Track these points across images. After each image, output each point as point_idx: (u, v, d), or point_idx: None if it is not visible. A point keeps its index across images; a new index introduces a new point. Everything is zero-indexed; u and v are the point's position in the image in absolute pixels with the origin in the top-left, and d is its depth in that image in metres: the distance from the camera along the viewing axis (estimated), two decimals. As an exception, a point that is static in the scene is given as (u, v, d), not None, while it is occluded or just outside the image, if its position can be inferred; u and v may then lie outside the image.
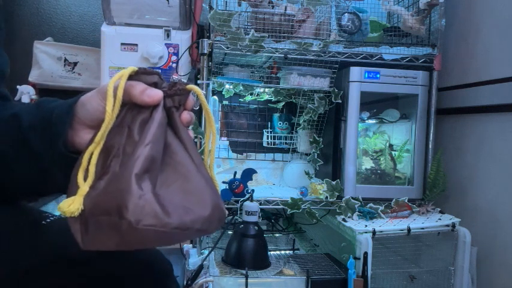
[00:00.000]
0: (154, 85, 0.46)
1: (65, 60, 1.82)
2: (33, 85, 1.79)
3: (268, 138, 1.71)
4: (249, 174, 1.38)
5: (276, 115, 1.72)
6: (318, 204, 1.37)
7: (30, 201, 0.61)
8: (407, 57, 1.41)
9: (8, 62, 0.64)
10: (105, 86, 0.44)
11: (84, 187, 0.41)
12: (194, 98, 0.50)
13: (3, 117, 0.49)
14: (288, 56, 1.36)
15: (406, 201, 1.36)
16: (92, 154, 0.43)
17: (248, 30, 1.34)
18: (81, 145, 0.46)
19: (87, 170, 0.42)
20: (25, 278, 0.57)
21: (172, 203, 0.41)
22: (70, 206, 0.40)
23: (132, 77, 0.45)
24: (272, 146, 1.71)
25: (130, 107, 0.45)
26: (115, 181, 0.40)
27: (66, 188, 0.46)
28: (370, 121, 1.51)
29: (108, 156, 0.43)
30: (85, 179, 0.42)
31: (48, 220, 0.62)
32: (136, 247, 0.42)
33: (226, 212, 0.48)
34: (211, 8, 1.32)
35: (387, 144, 1.51)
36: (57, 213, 0.55)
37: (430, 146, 1.43)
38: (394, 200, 1.36)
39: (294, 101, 1.67)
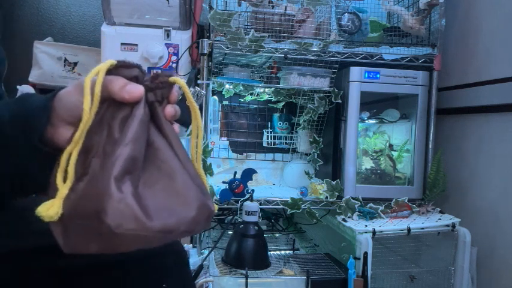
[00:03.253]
0: (135, 79, 0.43)
1: (65, 60, 1.82)
2: (33, 85, 1.79)
3: (268, 138, 1.71)
4: (249, 174, 1.38)
5: (276, 115, 1.72)
6: (318, 204, 1.37)
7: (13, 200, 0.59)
8: (407, 57, 1.41)
9: (5, 62, 0.63)
10: (83, 81, 0.41)
11: (63, 189, 0.39)
12: (179, 90, 0.47)
13: None
14: (288, 56, 1.36)
15: (406, 201, 1.36)
16: (70, 154, 0.40)
17: (248, 30, 1.34)
18: (61, 142, 0.43)
19: (66, 172, 0.40)
20: (36, 259, 0.57)
21: (155, 205, 0.39)
22: (49, 210, 0.38)
23: (111, 70, 0.42)
24: (272, 146, 1.71)
25: (110, 103, 0.42)
26: (94, 183, 0.38)
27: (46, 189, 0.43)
28: (370, 121, 1.51)
29: (87, 156, 0.41)
30: (64, 180, 0.40)
31: None
32: (119, 250, 0.40)
33: (215, 207, 0.46)
34: (211, 8, 1.32)
35: (387, 144, 1.51)
36: None
37: (430, 146, 1.43)
38: (394, 200, 1.36)
39: (294, 101, 1.67)
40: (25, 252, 0.59)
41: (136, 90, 0.42)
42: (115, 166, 0.38)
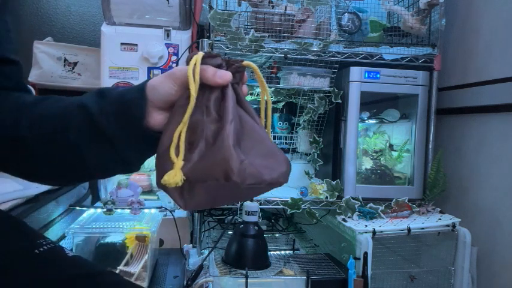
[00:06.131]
0: (219, 66, 0.52)
1: (65, 60, 1.82)
2: (33, 85, 1.79)
3: (268, 138, 1.71)
4: (249, 174, 1.38)
5: (276, 115, 1.72)
6: (318, 204, 1.37)
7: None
8: (407, 57, 1.41)
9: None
10: (177, 71, 0.50)
11: (179, 161, 0.47)
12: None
13: (68, 107, 0.52)
14: (288, 56, 1.36)
15: (406, 201, 1.36)
16: (180, 133, 0.48)
17: (248, 30, 1.34)
18: (154, 126, 0.51)
19: (177, 147, 0.48)
20: None
21: (259, 164, 0.48)
22: (174, 177, 0.46)
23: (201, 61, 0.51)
24: (272, 146, 1.70)
25: (202, 88, 0.50)
26: (212, 152, 0.47)
27: (132, 167, 0.54)
28: (370, 121, 1.51)
29: (193, 132, 0.49)
30: (176, 154, 0.48)
31: (41, 249, 0.59)
32: (233, 201, 0.54)
33: None
34: (211, 8, 1.32)
35: (387, 144, 1.51)
36: (53, 238, 0.53)
37: (430, 146, 1.43)
38: (394, 200, 1.36)
39: (294, 101, 1.67)
40: None
41: (226, 75, 0.50)
42: (230, 138, 0.47)
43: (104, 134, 0.50)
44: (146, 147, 0.53)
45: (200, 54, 0.51)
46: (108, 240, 1.28)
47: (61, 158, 0.53)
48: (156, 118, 0.51)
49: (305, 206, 1.35)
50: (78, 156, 0.52)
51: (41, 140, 0.52)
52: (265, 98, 0.58)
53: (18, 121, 0.52)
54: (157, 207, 1.44)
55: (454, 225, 1.25)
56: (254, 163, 0.47)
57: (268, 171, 0.48)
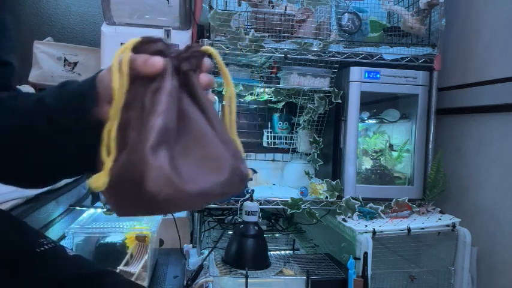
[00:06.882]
0: (160, 53, 0.45)
1: (65, 60, 1.83)
2: (33, 85, 1.79)
3: (268, 138, 1.71)
4: (249, 174, 1.38)
5: (276, 115, 1.72)
6: (318, 204, 1.37)
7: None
8: (407, 57, 1.41)
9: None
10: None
11: (108, 162, 0.42)
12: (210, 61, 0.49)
13: (28, 104, 0.50)
14: (288, 56, 1.36)
15: (406, 201, 1.36)
16: (110, 130, 0.43)
17: (248, 30, 1.34)
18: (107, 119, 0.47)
19: (109, 146, 0.43)
20: None
21: (190, 172, 0.41)
22: (97, 181, 0.41)
23: (137, 48, 0.45)
24: (272, 146, 1.71)
25: (141, 80, 0.44)
26: (132, 154, 0.41)
27: (93, 165, 0.48)
28: (370, 121, 1.51)
29: (126, 130, 0.43)
30: (108, 154, 0.43)
31: (42, 248, 0.59)
32: (162, 213, 0.44)
33: (250, 172, 0.48)
34: (211, 8, 1.32)
35: (387, 144, 1.51)
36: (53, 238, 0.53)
37: (430, 146, 1.43)
38: (394, 200, 1.36)
39: (294, 101, 1.67)
40: None
41: (157, 62, 0.44)
42: (150, 136, 0.40)
43: (63, 128, 0.48)
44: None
45: (133, 40, 0.44)
46: (108, 240, 1.28)
47: (35, 154, 0.50)
48: (108, 112, 0.46)
49: (305, 206, 1.35)
50: (44, 150, 0.49)
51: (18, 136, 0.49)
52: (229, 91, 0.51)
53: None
54: (157, 207, 1.44)
55: (454, 225, 1.25)
56: (181, 169, 0.41)
57: (199, 179, 0.41)
